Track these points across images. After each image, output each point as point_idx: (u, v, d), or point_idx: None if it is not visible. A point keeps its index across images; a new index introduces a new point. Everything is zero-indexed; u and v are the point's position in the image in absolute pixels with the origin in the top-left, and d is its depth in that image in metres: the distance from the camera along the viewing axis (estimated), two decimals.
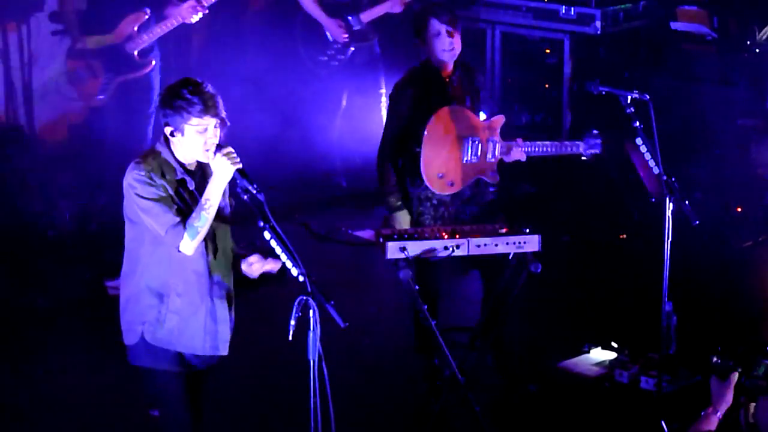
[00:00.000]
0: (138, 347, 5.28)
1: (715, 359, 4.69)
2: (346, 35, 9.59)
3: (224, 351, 5.35)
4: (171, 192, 5.10)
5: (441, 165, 6.65)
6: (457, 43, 6.72)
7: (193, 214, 5.08)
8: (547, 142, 6.83)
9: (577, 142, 6.83)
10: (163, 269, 5.19)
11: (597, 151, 6.86)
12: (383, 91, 9.79)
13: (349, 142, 10.09)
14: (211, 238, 5.22)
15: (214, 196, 5.07)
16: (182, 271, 5.20)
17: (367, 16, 9.57)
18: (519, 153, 6.75)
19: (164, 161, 5.13)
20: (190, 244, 5.08)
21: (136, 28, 8.62)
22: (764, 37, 9.32)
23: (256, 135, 9.57)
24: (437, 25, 6.68)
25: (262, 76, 10.33)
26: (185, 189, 5.16)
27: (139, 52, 8.66)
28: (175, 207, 5.09)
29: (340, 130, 10.13)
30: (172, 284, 5.21)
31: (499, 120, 6.75)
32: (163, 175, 5.10)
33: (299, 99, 10.19)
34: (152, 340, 5.24)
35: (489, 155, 6.72)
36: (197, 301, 5.24)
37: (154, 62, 8.76)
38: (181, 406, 5.33)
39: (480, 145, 6.68)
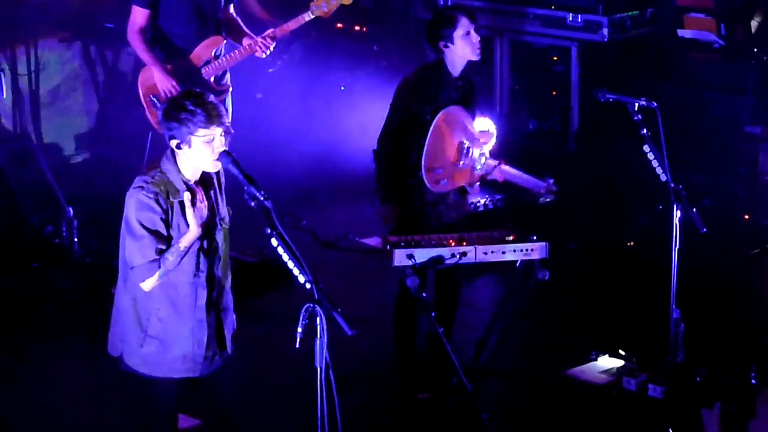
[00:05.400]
0: (120, 361, 5.31)
1: None
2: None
3: (197, 373, 5.27)
4: (171, 216, 5.05)
5: (439, 160, 6.60)
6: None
7: (168, 255, 5.02)
8: (520, 175, 6.74)
9: (540, 183, 6.71)
10: (150, 291, 5.12)
11: (547, 201, 6.71)
12: None
13: None
14: (211, 252, 5.19)
15: (190, 241, 5.03)
16: (167, 295, 5.16)
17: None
18: (498, 174, 6.73)
19: (169, 182, 5.07)
20: (153, 282, 5.06)
21: (213, 53, 7.98)
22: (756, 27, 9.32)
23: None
24: (467, 25, 6.61)
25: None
26: (186, 208, 5.08)
27: (215, 78, 8.03)
28: (161, 244, 5.03)
29: None
30: (153, 309, 5.15)
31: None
32: (167, 196, 5.05)
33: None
34: (129, 361, 5.25)
35: (477, 166, 6.69)
36: (180, 327, 5.19)
37: (231, 88, 8.14)
38: (169, 414, 5.35)
39: (472, 153, 6.66)
